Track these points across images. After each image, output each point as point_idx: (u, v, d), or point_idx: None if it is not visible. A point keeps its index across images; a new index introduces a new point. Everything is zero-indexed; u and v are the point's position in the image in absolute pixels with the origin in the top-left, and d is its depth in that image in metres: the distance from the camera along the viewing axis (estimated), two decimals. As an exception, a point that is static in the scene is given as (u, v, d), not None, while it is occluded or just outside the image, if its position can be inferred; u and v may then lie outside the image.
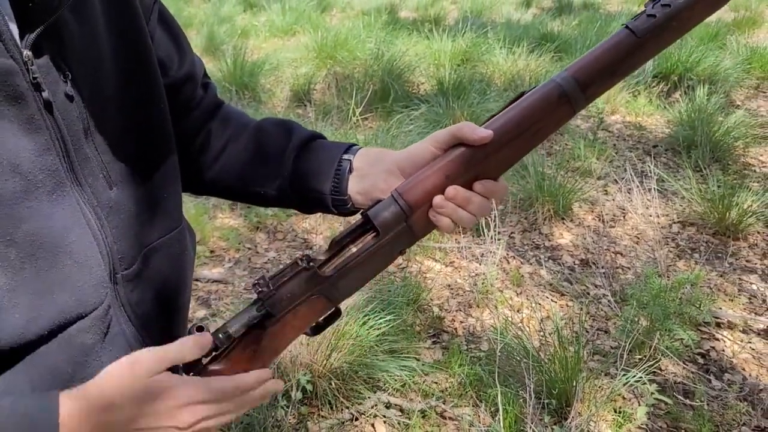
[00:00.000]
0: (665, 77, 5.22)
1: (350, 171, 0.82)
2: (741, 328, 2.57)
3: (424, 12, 7.49)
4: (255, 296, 0.72)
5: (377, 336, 2.26)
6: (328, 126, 4.18)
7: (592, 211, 3.49)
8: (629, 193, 3.57)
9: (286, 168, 0.85)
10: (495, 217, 3.11)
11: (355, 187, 0.82)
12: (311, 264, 0.72)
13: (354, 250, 0.73)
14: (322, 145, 0.86)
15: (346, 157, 0.83)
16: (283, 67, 5.42)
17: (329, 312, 0.76)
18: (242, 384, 0.68)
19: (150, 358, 0.61)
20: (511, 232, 3.30)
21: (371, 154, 0.83)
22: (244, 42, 6.45)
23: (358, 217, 0.78)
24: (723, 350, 2.46)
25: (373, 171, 0.81)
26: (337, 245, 0.74)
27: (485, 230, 3.04)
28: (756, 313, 2.66)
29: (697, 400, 2.17)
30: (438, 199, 0.72)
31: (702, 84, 4.90)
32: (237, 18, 7.73)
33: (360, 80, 4.81)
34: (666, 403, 2.16)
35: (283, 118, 0.91)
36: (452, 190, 0.72)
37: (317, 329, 0.76)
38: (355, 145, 0.85)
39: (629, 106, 4.94)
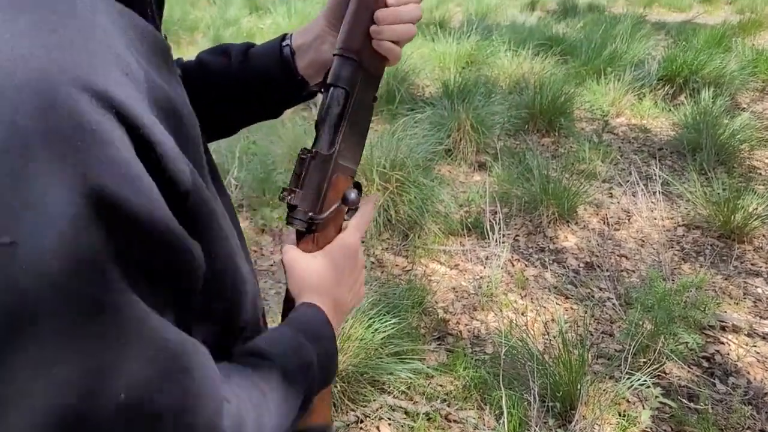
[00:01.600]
0: (670, 80, 5.22)
1: (293, 54, 0.86)
2: (746, 332, 2.57)
3: (429, 15, 7.49)
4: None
5: (382, 339, 2.27)
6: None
7: (597, 214, 3.49)
8: (634, 195, 3.57)
9: (236, 80, 0.88)
10: (500, 219, 3.12)
11: (302, 64, 0.85)
12: (314, 150, 0.74)
13: (338, 119, 0.75)
14: (260, 48, 0.90)
15: (284, 44, 0.86)
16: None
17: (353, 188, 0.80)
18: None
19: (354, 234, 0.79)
20: (516, 235, 3.31)
21: (302, 30, 0.87)
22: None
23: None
24: (728, 354, 2.46)
25: (309, 40, 0.84)
26: (322, 123, 0.76)
27: (490, 233, 3.05)
28: (761, 317, 2.66)
29: (702, 404, 2.17)
30: (374, 29, 0.74)
31: (707, 87, 4.90)
32: (243, 21, 7.76)
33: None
34: (670, 407, 2.17)
35: (213, 47, 0.94)
36: (380, 13, 0.73)
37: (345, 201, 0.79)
38: (287, 33, 0.89)
39: (634, 109, 4.94)
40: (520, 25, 7.01)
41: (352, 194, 0.77)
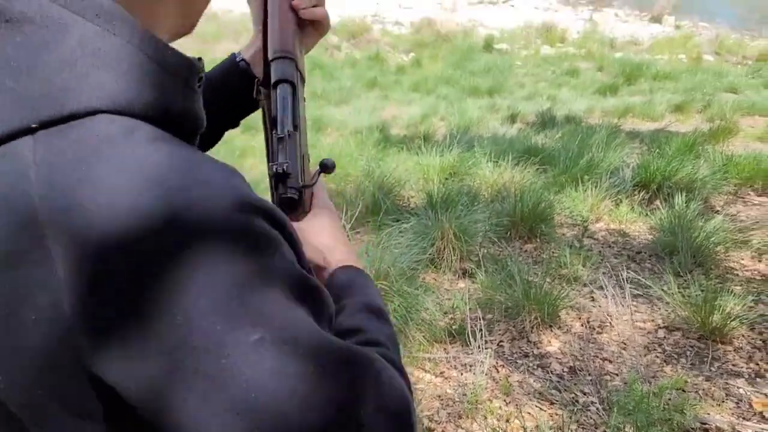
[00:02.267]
0: (645, 185, 5.43)
1: (248, 66, 1.04)
2: (730, 434, 2.57)
3: (414, 129, 7.87)
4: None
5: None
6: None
7: (579, 318, 3.55)
8: (615, 299, 3.66)
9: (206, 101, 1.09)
10: (482, 326, 3.18)
11: (258, 71, 1.03)
12: (286, 130, 0.86)
13: (292, 105, 0.88)
14: (216, 70, 1.07)
15: (238, 59, 1.05)
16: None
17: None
18: None
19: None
20: (500, 341, 3.35)
21: (247, 46, 1.07)
22: (242, 162, 6.74)
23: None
24: (713, 457, 2.46)
25: (255, 52, 1.03)
26: (282, 111, 0.88)
27: (472, 339, 3.09)
28: (744, 418, 2.67)
29: None
30: (295, 2, 0.91)
31: (681, 191, 5.10)
32: (236, 140, 8.08)
33: (352, 196, 5.01)
34: None
35: None
36: None
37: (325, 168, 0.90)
38: (234, 52, 1.07)
39: (612, 214, 5.11)
40: (500, 137, 7.35)
41: (328, 161, 0.89)
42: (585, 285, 3.95)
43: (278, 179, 0.84)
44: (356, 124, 8.07)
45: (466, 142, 6.66)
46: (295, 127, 0.87)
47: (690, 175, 5.46)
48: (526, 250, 4.53)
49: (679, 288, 3.62)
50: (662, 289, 3.71)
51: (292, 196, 0.84)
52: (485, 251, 4.31)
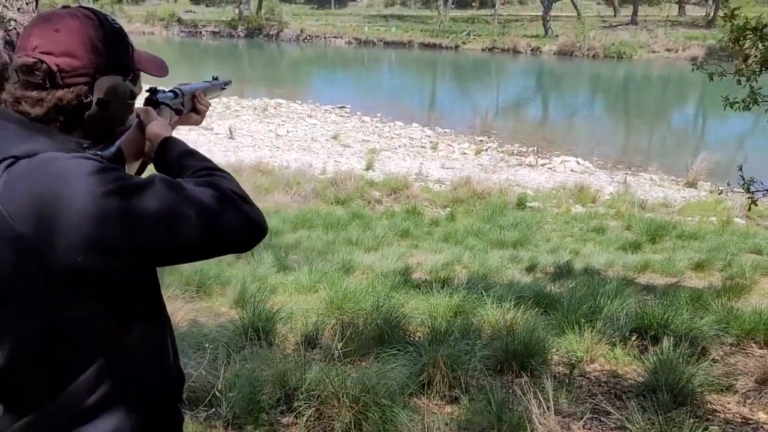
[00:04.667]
0: (642, 332, 5.68)
1: None
2: None
3: (435, 275, 8.35)
4: None
5: None
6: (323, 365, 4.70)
7: (553, 445, 3.77)
8: (588, 430, 3.87)
9: None
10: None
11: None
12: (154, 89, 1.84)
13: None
14: None
15: None
16: (297, 316, 6.13)
17: None
18: None
19: None
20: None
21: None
22: (271, 296, 7.28)
23: None
24: None
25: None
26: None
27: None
28: None
29: None
30: None
31: (675, 338, 5.32)
32: (270, 278, 8.71)
33: (361, 327, 5.44)
34: None
35: None
36: None
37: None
38: None
39: (607, 357, 5.35)
40: (515, 283, 7.74)
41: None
42: (566, 416, 4.18)
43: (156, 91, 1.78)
44: (382, 268, 8.62)
45: (479, 287, 7.08)
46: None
47: (686, 323, 5.69)
48: (516, 383, 4.78)
49: (647, 423, 3.82)
50: (638, 425, 3.91)
51: (162, 102, 1.76)
52: (476, 381, 4.60)
